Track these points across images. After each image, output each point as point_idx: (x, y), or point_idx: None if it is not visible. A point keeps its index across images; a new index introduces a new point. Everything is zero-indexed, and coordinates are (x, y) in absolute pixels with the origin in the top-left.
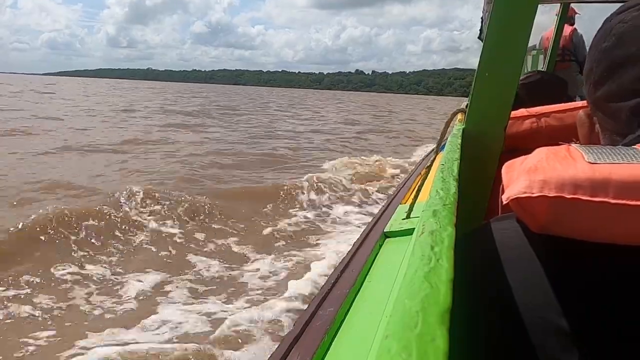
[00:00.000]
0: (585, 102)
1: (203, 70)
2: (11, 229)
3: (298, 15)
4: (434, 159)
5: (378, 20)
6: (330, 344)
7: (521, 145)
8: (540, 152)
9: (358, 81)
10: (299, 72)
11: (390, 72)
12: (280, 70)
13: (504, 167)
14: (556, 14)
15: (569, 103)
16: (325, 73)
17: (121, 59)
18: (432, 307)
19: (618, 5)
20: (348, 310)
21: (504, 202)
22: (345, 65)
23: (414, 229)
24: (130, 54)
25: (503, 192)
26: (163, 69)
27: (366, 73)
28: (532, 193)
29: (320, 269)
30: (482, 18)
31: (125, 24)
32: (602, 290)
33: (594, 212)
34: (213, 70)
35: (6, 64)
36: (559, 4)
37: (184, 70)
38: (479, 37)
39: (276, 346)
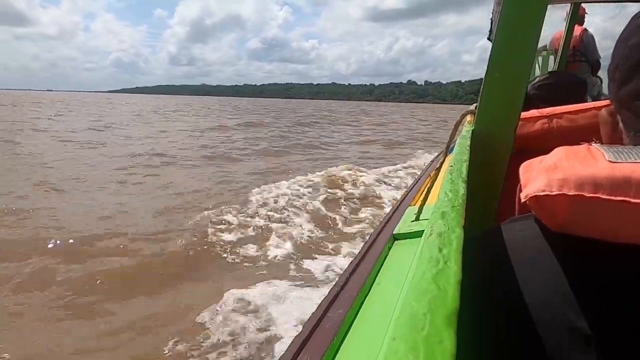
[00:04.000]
0: (597, 102)
1: (254, 84)
2: None
3: (351, 29)
4: (443, 160)
5: (432, 31)
6: (340, 346)
7: (532, 146)
8: (560, 151)
9: (410, 92)
10: (349, 84)
11: (444, 82)
12: (330, 83)
13: (521, 167)
14: (566, 14)
15: (581, 104)
16: (376, 84)
17: (180, 76)
18: (440, 309)
19: (628, 4)
20: (357, 312)
21: (522, 200)
22: (398, 77)
23: (423, 231)
24: (190, 71)
25: (521, 191)
26: (215, 85)
27: (418, 83)
28: (552, 191)
29: None
30: (491, 19)
31: (186, 43)
32: (621, 290)
33: (614, 212)
34: (263, 84)
35: (77, 83)
36: (568, 4)
37: (235, 85)
38: (488, 38)
39: (285, 348)
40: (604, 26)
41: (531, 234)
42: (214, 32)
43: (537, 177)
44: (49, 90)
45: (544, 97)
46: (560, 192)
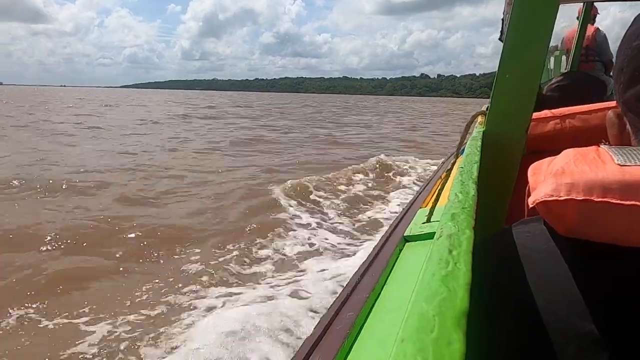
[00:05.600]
0: (609, 102)
1: (265, 79)
2: None
3: (364, 22)
4: (454, 162)
5: (446, 23)
6: (351, 347)
7: (545, 147)
8: (568, 154)
9: (423, 85)
10: (361, 77)
11: (458, 76)
12: (341, 77)
13: (530, 170)
14: (579, 12)
15: (594, 104)
16: (388, 78)
17: (193, 71)
18: (449, 310)
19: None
20: (368, 314)
21: (531, 206)
22: (411, 70)
23: (434, 232)
24: (203, 65)
25: (529, 194)
26: (227, 79)
27: (431, 77)
28: (560, 196)
29: None
30: (502, 19)
31: (199, 38)
32: (630, 295)
33: (623, 216)
34: (274, 78)
35: (91, 78)
36: (580, 4)
37: (246, 80)
38: (499, 39)
39: (297, 349)
40: (621, 17)
41: (539, 238)
42: (226, 26)
43: (546, 181)
44: (63, 86)
45: (561, 99)
46: (568, 197)
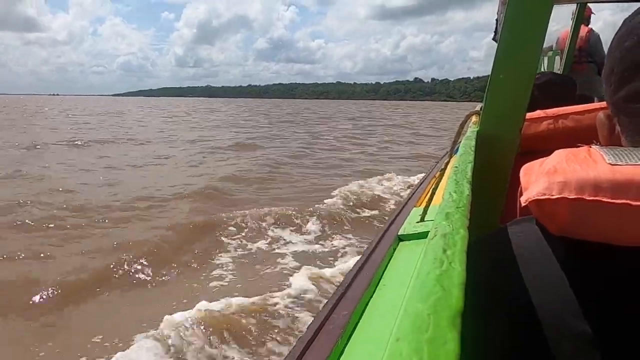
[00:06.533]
0: (603, 103)
1: (258, 85)
2: None
3: (358, 27)
4: (448, 161)
5: (439, 28)
6: (344, 347)
7: (538, 147)
8: (560, 154)
9: (416, 90)
10: (354, 82)
11: (452, 79)
12: (335, 82)
13: (522, 170)
14: (573, 13)
15: (587, 104)
16: (382, 83)
17: (186, 78)
18: (444, 310)
19: (636, 5)
20: (362, 313)
21: (523, 204)
22: (404, 75)
23: (428, 232)
24: (197, 72)
25: (522, 194)
26: (220, 86)
27: (425, 81)
28: (552, 195)
29: None
30: (496, 20)
31: (192, 45)
32: (622, 293)
33: (615, 215)
34: (267, 84)
35: (85, 87)
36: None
37: (239, 86)
38: (493, 39)
39: (289, 350)
40: (612, 20)
41: (532, 237)
42: (220, 33)
43: (538, 180)
44: (55, 95)
45: (540, 98)
46: (560, 196)
